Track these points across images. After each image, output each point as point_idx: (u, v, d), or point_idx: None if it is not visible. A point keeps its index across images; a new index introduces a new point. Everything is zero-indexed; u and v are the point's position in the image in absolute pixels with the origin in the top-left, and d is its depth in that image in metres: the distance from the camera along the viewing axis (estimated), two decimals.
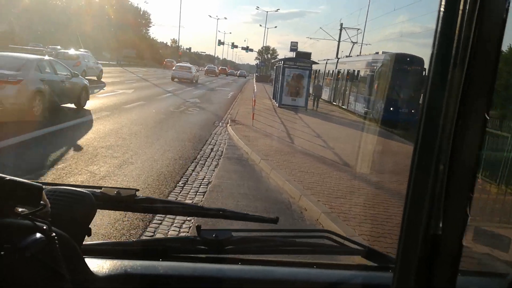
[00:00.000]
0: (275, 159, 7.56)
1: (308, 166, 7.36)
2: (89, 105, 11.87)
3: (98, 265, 0.93)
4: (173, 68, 33.18)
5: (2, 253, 0.66)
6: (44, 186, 0.77)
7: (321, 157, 8.33)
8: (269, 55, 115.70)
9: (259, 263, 1.10)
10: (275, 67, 26.65)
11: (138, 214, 3.98)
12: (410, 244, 0.52)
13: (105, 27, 66.20)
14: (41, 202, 0.75)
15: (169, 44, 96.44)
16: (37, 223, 0.73)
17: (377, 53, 19.98)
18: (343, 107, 23.16)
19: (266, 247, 1.16)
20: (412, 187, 0.52)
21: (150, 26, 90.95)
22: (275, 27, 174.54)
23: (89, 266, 0.89)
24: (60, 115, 10.02)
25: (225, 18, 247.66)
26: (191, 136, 9.60)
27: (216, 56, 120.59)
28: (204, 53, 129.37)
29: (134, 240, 1.21)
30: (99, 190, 1.13)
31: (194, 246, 1.10)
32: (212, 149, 8.42)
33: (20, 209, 0.74)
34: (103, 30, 64.44)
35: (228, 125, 11.55)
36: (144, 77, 31.42)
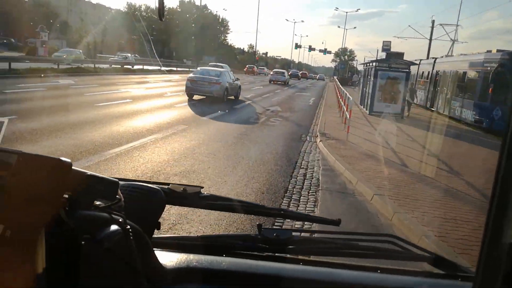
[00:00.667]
0: (392, 194, 5.66)
1: (442, 206, 5.34)
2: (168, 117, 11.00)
3: (166, 258, 0.95)
4: (271, 73, 43.13)
5: (82, 242, 0.67)
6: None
7: (453, 190, 6.21)
8: (346, 57, 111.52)
9: (321, 264, 1.07)
10: (363, 69, 24.20)
11: None
12: (493, 254, 0.49)
13: (186, 35, 68.57)
14: (117, 196, 0.77)
15: (246, 49, 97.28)
16: (114, 216, 0.75)
17: (489, 51, 16.80)
18: (444, 113, 20.02)
19: (328, 249, 1.13)
20: (497, 194, 0.48)
21: (228, 33, 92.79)
22: (354, 27, 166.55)
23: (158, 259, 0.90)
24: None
25: (302, 21, 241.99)
26: (277, 155, 8.04)
27: (292, 59, 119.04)
28: (279, 57, 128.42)
29: (199, 235, 1.14)
30: (167, 187, 1.13)
31: (256, 244, 1.09)
32: (305, 175, 6.76)
33: (97, 203, 0.76)
34: (185, 38, 66.76)
35: (319, 140, 9.80)
36: None
